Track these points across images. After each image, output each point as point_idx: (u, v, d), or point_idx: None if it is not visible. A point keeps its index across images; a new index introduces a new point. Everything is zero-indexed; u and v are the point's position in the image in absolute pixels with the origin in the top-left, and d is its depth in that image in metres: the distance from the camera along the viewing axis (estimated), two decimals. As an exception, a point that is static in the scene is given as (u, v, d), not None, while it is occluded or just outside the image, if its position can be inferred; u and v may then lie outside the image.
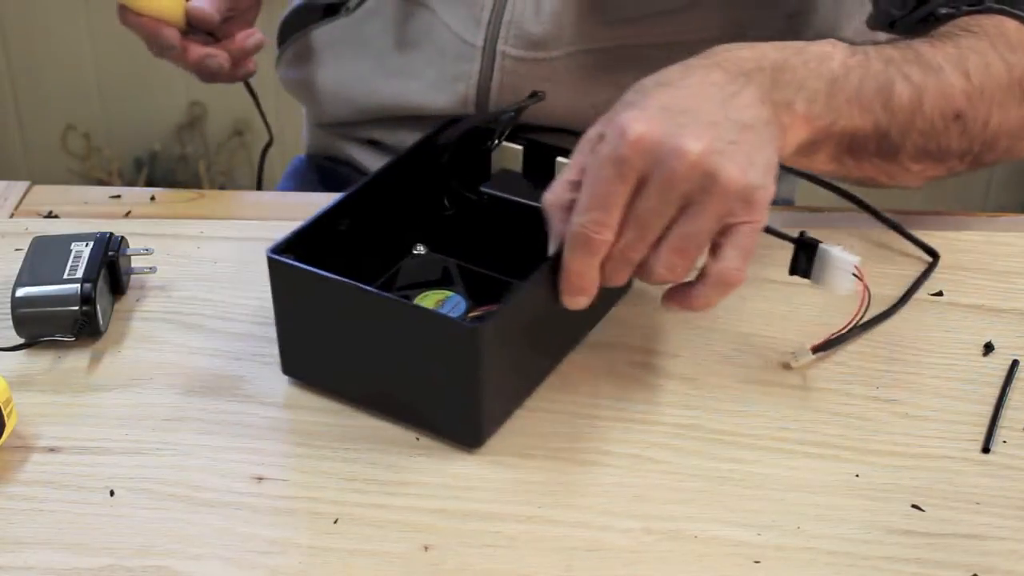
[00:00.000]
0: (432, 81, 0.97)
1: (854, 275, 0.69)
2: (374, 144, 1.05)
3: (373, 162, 1.05)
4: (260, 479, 0.66)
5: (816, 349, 0.73)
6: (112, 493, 0.65)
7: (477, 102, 0.95)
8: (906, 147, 0.77)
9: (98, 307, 0.75)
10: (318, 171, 1.13)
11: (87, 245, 0.78)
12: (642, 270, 0.65)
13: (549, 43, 0.92)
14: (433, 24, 0.96)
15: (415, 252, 0.76)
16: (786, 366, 0.74)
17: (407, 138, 1.00)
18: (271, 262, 0.68)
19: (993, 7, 0.81)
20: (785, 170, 0.91)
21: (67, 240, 0.78)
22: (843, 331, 0.74)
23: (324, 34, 1.04)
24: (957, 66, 0.77)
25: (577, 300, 0.66)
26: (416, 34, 0.98)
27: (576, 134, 0.68)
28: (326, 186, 1.10)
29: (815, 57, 0.71)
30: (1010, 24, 0.80)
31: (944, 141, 0.78)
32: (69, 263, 0.76)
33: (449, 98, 0.96)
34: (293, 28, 1.07)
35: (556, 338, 0.73)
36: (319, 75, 1.05)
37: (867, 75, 0.73)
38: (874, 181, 0.80)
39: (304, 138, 1.16)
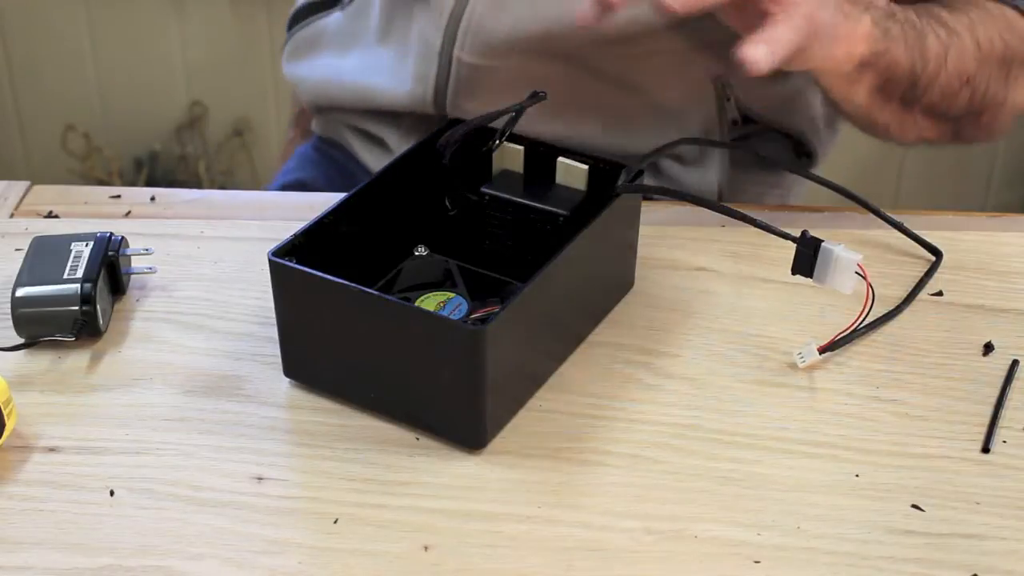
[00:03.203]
0: (401, 79, 1.00)
1: (857, 273, 0.69)
2: (362, 133, 1.08)
3: (366, 151, 1.07)
4: (260, 479, 0.66)
5: (823, 350, 0.73)
6: (112, 493, 0.65)
7: (435, 101, 0.98)
8: (924, 100, 0.84)
9: (98, 307, 0.74)
10: (318, 154, 1.16)
11: (87, 245, 0.77)
12: None
13: (505, 53, 0.94)
14: (409, 25, 0.99)
15: (416, 253, 0.76)
16: (792, 366, 0.74)
17: (383, 132, 1.03)
18: (273, 265, 0.68)
19: None
20: (790, 171, 0.92)
21: (67, 240, 0.78)
22: (849, 330, 0.74)
23: (320, 27, 1.07)
24: (971, 34, 0.85)
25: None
26: (396, 33, 1.01)
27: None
28: (326, 169, 1.13)
29: None
30: (1011, 12, 0.88)
31: (953, 102, 0.85)
32: (69, 263, 0.76)
33: (411, 99, 0.99)
34: (297, 20, 1.11)
35: (558, 339, 0.73)
36: (309, 66, 1.09)
37: (908, 22, 0.81)
38: (883, 130, 0.87)
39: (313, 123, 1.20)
